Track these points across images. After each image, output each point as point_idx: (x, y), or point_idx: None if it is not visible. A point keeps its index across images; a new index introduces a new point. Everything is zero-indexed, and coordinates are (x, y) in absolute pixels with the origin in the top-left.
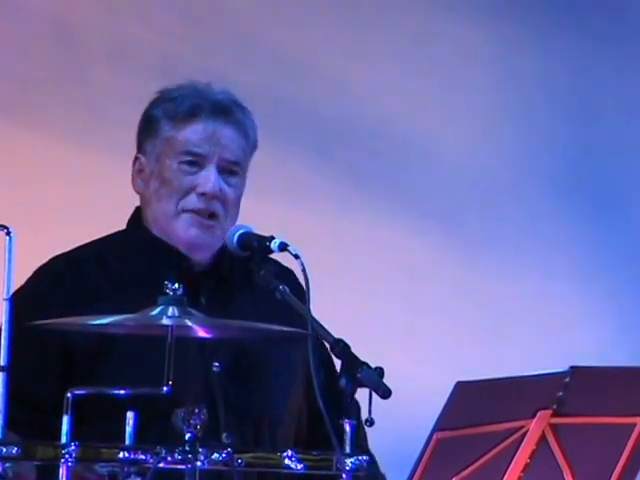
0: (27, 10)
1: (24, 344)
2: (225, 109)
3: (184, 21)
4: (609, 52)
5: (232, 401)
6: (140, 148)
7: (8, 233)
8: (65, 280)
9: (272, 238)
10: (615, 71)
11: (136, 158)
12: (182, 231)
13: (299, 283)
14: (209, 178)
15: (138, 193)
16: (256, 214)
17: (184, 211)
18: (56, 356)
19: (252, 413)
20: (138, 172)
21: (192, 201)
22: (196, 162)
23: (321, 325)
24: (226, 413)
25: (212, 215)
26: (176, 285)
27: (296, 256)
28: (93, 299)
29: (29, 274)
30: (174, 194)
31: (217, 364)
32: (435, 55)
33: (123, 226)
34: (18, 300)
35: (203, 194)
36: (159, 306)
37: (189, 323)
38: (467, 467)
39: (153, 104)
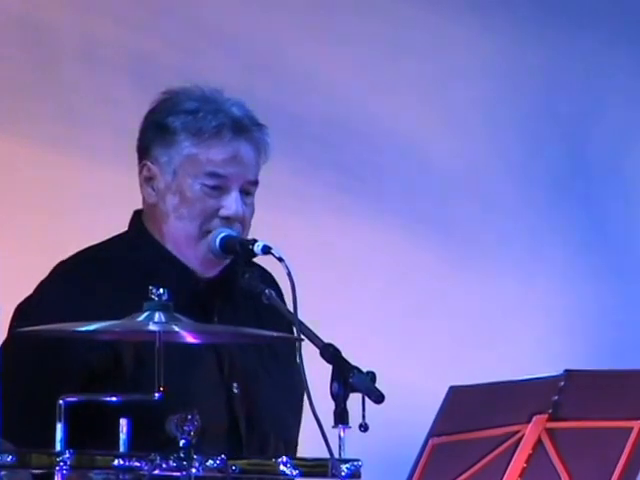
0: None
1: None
2: (245, 128)
3: (162, 20)
4: (617, 52)
5: (251, 422)
6: (147, 154)
7: None
8: (85, 286)
9: (255, 241)
10: (618, 69)
11: (143, 165)
12: (202, 254)
13: (279, 289)
14: (232, 202)
15: (149, 203)
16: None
17: (208, 234)
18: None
19: (269, 433)
20: (147, 180)
21: (216, 225)
22: (219, 184)
23: (310, 329)
24: (248, 434)
25: None
26: (161, 290)
27: (280, 259)
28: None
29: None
30: (197, 217)
31: (236, 385)
32: (430, 56)
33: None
34: (34, 309)
35: (227, 218)
36: (145, 312)
37: (176, 329)
38: (463, 472)
39: (165, 111)
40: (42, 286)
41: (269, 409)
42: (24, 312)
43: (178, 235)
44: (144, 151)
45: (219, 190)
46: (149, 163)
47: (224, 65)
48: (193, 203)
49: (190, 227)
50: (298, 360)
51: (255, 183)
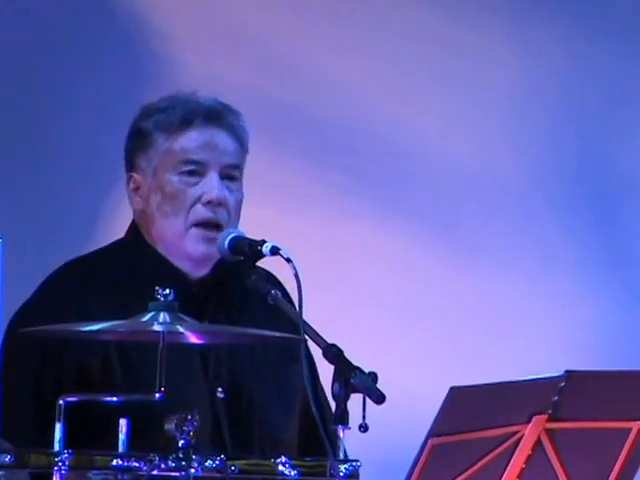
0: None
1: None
2: (218, 114)
3: (173, 23)
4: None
5: (236, 425)
6: (132, 165)
7: None
8: (80, 289)
9: (264, 242)
10: (623, 72)
11: (130, 177)
12: (191, 248)
13: (285, 289)
14: (213, 185)
15: (137, 211)
16: (245, 219)
17: (193, 225)
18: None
19: (255, 435)
20: (134, 190)
21: (199, 212)
22: (196, 171)
23: (314, 330)
24: (231, 437)
25: (218, 226)
26: (167, 290)
27: (288, 260)
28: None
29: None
30: (180, 209)
31: (221, 389)
32: (427, 56)
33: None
34: (35, 311)
35: (209, 202)
36: (150, 312)
37: (180, 329)
38: (462, 473)
39: (141, 118)
40: (36, 293)
41: (256, 412)
42: (23, 316)
43: (165, 234)
44: (129, 163)
45: (197, 176)
46: (134, 174)
47: (240, 71)
48: (174, 197)
49: (175, 223)
50: (301, 360)
51: (237, 167)
